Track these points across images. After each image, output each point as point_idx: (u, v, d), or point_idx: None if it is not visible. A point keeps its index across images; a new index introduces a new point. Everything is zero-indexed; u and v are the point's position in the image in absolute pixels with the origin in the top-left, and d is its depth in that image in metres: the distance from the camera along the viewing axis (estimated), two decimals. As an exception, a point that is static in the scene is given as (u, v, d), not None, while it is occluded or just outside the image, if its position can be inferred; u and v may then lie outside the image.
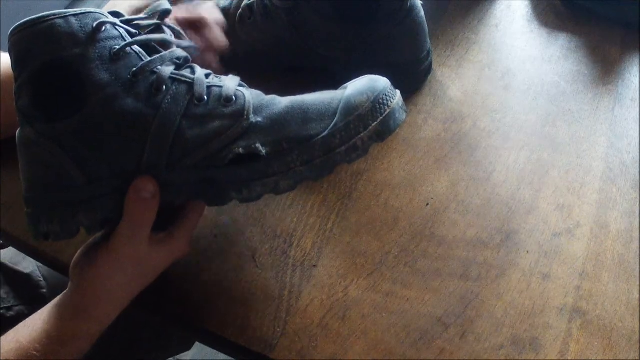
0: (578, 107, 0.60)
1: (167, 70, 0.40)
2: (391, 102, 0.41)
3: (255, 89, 0.43)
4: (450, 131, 0.58)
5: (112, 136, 0.39)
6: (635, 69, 0.63)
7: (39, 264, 0.63)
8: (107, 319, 0.41)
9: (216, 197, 0.41)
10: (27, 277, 0.61)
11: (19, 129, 0.41)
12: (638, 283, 0.48)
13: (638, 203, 0.52)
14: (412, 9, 0.55)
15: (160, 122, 0.39)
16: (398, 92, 0.43)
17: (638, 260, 0.49)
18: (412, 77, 0.61)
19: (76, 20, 0.39)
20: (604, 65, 0.63)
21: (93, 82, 0.38)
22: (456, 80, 0.62)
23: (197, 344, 0.80)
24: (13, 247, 0.55)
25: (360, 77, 0.43)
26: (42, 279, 0.61)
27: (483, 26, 0.68)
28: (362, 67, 0.59)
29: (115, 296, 0.41)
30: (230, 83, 0.42)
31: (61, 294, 0.42)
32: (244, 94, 0.41)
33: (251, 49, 0.60)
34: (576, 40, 0.66)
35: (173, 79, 0.40)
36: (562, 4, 0.69)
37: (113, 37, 0.39)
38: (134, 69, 0.39)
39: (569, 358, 0.44)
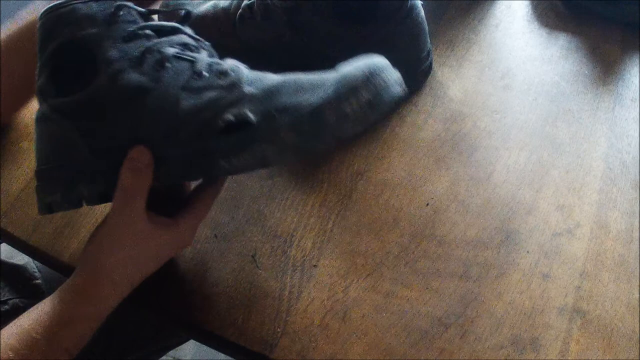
0: (578, 107, 0.60)
1: (172, 50, 0.42)
2: (387, 77, 0.40)
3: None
4: (450, 131, 0.58)
5: (116, 109, 0.41)
6: (635, 69, 0.63)
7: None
8: (108, 302, 0.41)
9: (207, 167, 0.41)
10: (21, 269, 0.61)
11: (37, 110, 0.43)
12: (638, 283, 0.48)
13: (638, 203, 0.52)
14: (412, 9, 0.55)
15: (159, 93, 0.40)
16: (396, 70, 0.42)
17: (638, 260, 0.49)
18: (412, 77, 0.61)
19: (96, 4, 0.41)
20: (604, 65, 0.63)
21: (103, 59, 0.40)
22: (456, 80, 0.62)
23: (197, 344, 0.80)
24: (13, 247, 0.55)
25: (357, 58, 0.43)
26: (36, 270, 0.61)
27: (483, 26, 0.68)
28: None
29: (116, 276, 0.41)
30: (230, 61, 0.43)
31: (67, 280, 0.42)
32: (240, 68, 0.42)
33: (251, 49, 0.60)
34: (576, 40, 0.66)
35: (177, 57, 0.42)
36: (562, 4, 0.69)
37: (128, 21, 0.42)
38: (142, 48, 0.41)
39: (569, 358, 0.44)
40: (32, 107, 0.43)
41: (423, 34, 0.58)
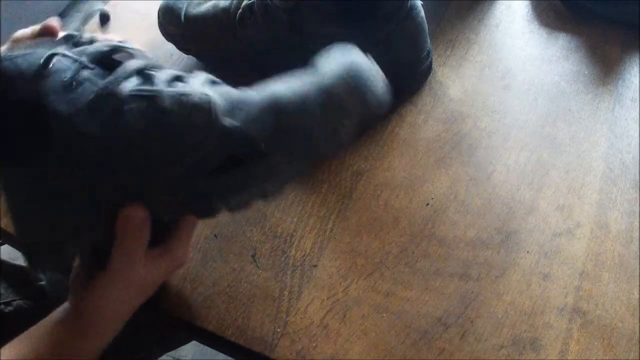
0: (578, 107, 0.60)
1: (126, 87, 0.37)
2: (372, 83, 0.38)
3: (223, 83, 0.41)
4: (450, 131, 0.58)
5: (87, 165, 0.37)
6: (635, 69, 0.63)
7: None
8: (108, 336, 0.42)
9: (204, 209, 0.40)
10: (25, 271, 0.61)
11: None
12: (638, 283, 0.48)
13: (638, 203, 0.52)
14: (412, 9, 0.55)
15: (131, 144, 0.37)
16: (376, 66, 0.40)
17: (638, 260, 0.49)
18: (412, 77, 0.61)
19: (22, 60, 0.37)
20: (604, 65, 0.63)
21: (54, 115, 0.36)
22: (456, 80, 0.62)
23: (197, 344, 0.80)
24: (13, 247, 0.55)
25: (331, 49, 0.40)
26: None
27: (483, 26, 0.68)
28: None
29: (117, 313, 0.41)
30: (195, 86, 0.39)
31: (63, 308, 0.42)
32: (209, 98, 0.38)
33: (251, 49, 0.60)
34: (576, 40, 0.66)
35: (134, 96, 0.37)
36: (562, 4, 0.69)
37: (63, 69, 0.37)
38: (91, 96, 0.37)
39: (569, 358, 0.44)
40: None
41: (423, 34, 0.58)
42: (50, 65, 0.37)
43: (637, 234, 0.50)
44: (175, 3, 0.63)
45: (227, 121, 0.37)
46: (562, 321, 0.46)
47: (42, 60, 0.36)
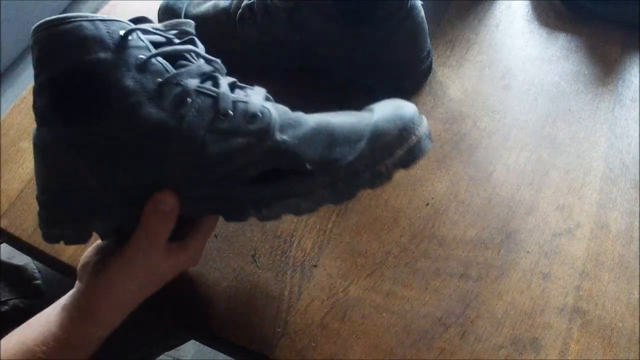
0: (578, 107, 0.60)
1: (193, 82, 0.39)
2: (418, 131, 0.41)
3: (280, 104, 0.43)
4: (451, 131, 0.58)
5: (134, 146, 0.38)
6: (635, 69, 0.63)
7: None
8: (114, 324, 0.41)
9: (235, 213, 0.40)
10: (21, 269, 0.61)
11: (34, 129, 0.40)
12: (638, 283, 0.48)
13: (638, 203, 0.52)
14: (412, 9, 0.55)
15: (184, 135, 0.38)
16: (424, 119, 0.42)
17: (638, 260, 0.49)
18: (412, 77, 0.61)
19: (104, 25, 0.38)
20: (604, 65, 0.63)
21: (118, 89, 0.37)
22: (456, 80, 0.62)
23: (197, 344, 0.80)
24: (13, 247, 0.55)
25: (387, 101, 0.43)
26: (36, 271, 0.61)
27: (483, 26, 0.68)
28: (363, 67, 0.59)
29: (124, 302, 0.41)
30: (255, 98, 0.41)
31: (68, 294, 0.42)
32: (269, 110, 0.40)
33: (251, 49, 0.60)
34: (576, 40, 0.66)
35: (198, 92, 0.39)
36: (562, 4, 0.69)
37: (139, 47, 0.39)
38: (160, 79, 0.38)
39: (569, 358, 0.44)
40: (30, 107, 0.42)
41: (423, 34, 0.58)
42: (130, 39, 0.38)
43: (637, 234, 0.50)
44: (175, 3, 0.63)
45: (279, 136, 0.39)
46: (562, 321, 0.46)
47: (123, 33, 0.38)
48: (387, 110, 0.41)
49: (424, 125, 0.41)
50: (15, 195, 0.55)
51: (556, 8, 0.69)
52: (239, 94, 0.41)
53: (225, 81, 0.41)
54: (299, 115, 0.41)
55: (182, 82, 0.39)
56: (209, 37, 0.61)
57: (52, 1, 1.52)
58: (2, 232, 0.53)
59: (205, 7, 0.62)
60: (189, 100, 0.39)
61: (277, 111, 0.40)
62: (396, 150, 0.40)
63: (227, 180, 0.39)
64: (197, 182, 0.39)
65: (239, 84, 0.43)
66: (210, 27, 0.61)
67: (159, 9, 0.63)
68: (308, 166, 0.39)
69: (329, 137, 0.40)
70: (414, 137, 0.40)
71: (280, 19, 0.56)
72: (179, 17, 0.62)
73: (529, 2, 0.70)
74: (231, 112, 0.39)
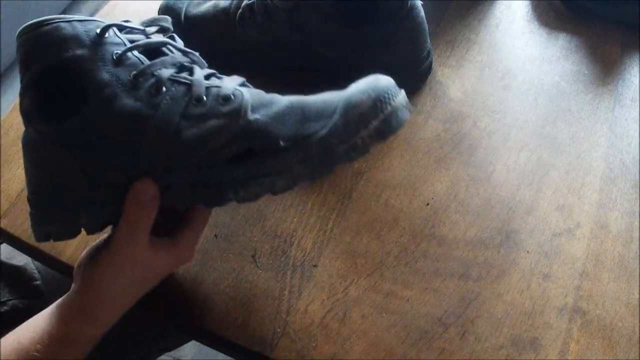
0: (578, 107, 0.60)
1: (167, 72, 0.40)
2: (394, 101, 0.40)
3: (255, 88, 0.43)
4: (450, 131, 0.58)
5: (112, 136, 0.39)
6: (635, 69, 0.63)
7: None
8: (109, 322, 0.41)
9: (214, 198, 0.40)
10: (21, 270, 0.61)
11: (23, 131, 0.41)
12: (638, 283, 0.48)
13: (638, 203, 0.52)
14: (412, 9, 0.55)
15: (158, 122, 0.39)
16: (402, 91, 0.41)
17: (638, 260, 0.49)
18: (412, 77, 0.61)
19: (81, 25, 0.39)
20: (604, 65, 0.63)
21: (94, 82, 0.38)
22: (456, 80, 0.62)
23: (197, 344, 0.80)
24: (13, 247, 0.55)
25: (364, 78, 0.43)
26: (36, 271, 0.61)
27: (483, 26, 0.68)
28: (363, 67, 0.59)
29: (118, 299, 0.41)
30: (229, 83, 0.41)
31: (64, 295, 0.42)
32: (242, 92, 0.40)
33: (251, 49, 0.60)
34: (576, 40, 0.66)
35: (172, 81, 0.40)
36: (562, 4, 0.69)
37: (116, 43, 0.40)
38: (135, 71, 0.39)
39: (569, 358, 0.44)
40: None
41: (423, 34, 0.58)
42: (106, 36, 0.40)
43: (637, 234, 0.50)
44: (175, 3, 0.63)
45: (251, 115, 0.39)
46: (562, 321, 0.46)
47: (99, 30, 0.39)
48: (361, 84, 0.41)
49: (401, 96, 0.40)
50: (15, 195, 0.55)
51: (556, 8, 0.69)
52: (213, 82, 0.42)
53: (201, 72, 0.42)
54: (274, 95, 0.41)
55: (156, 73, 0.40)
56: (209, 37, 0.61)
57: (52, 1, 1.52)
58: (2, 232, 0.53)
59: (205, 7, 0.62)
60: (163, 89, 0.39)
61: (250, 93, 0.41)
62: (371, 121, 0.39)
63: (203, 165, 0.39)
64: (175, 170, 0.40)
65: (217, 75, 0.43)
66: (210, 27, 0.61)
67: (159, 9, 0.63)
68: (282, 143, 0.38)
69: (302, 113, 0.39)
70: (389, 107, 0.39)
71: (280, 19, 0.56)
72: (178, 17, 0.62)
73: (529, 2, 0.70)
74: (204, 97, 0.40)
